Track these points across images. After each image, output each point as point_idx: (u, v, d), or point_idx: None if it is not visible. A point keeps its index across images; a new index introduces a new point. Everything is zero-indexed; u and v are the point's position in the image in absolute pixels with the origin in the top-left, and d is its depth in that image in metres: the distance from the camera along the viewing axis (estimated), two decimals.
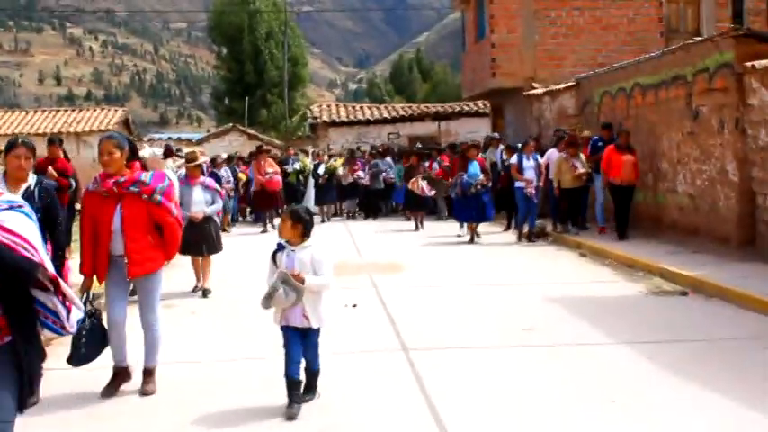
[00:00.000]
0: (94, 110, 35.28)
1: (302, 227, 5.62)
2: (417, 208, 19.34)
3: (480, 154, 17.10)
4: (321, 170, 22.30)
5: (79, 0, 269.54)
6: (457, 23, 34.15)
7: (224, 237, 12.14)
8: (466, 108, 30.78)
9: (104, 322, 6.11)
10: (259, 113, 47.77)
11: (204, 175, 11.73)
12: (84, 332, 5.80)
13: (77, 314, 2.96)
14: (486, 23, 23.65)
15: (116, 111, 34.10)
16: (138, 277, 6.12)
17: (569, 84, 19.60)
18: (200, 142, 30.97)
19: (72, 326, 2.94)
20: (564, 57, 22.78)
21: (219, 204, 11.20)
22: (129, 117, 34.86)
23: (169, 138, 34.23)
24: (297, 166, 22.55)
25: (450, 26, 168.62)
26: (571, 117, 19.20)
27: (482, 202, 15.53)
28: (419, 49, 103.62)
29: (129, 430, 5.62)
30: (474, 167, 15.55)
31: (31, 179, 6.09)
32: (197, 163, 11.17)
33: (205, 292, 10.76)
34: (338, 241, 16.68)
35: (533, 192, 15.48)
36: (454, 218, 17.10)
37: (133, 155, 6.15)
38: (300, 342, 5.68)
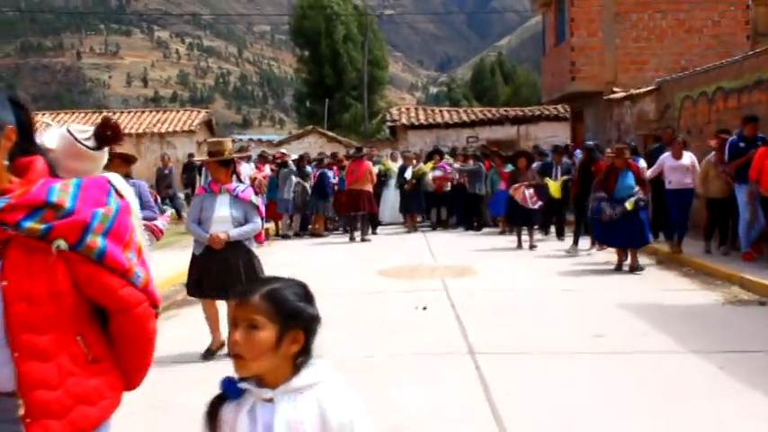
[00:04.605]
0: (178, 111, 36.12)
1: (299, 340, 2.27)
2: (520, 221, 15.91)
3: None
4: (408, 174, 20.11)
5: (167, 4, 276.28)
6: (539, 27, 33.90)
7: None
8: (546, 112, 30.56)
9: None
10: (339, 116, 48.15)
11: (239, 177, 7.90)
12: None
13: None
14: (567, 27, 23.46)
15: (199, 112, 34.82)
16: None
17: (650, 88, 19.29)
18: (280, 143, 31.31)
19: None
20: (645, 60, 22.48)
21: (256, 225, 7.44)
22: (212, 118, 35.54)
23: (250, 139, 34.67)
24: (375, 170, 19.81)
25: (531, 29, 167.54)
26: (651, 122, 18.89)
27: (637, 222, 12.24)
28: (500, 52, 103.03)
29: None
30: (628, 178, 12.34)
31: None
32: (223, 158, 7.40)
33: (208, 354, 7.54)
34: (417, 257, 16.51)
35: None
36: (595, 238, 14.07)
37: (26, 140, 2.44)
38: None
